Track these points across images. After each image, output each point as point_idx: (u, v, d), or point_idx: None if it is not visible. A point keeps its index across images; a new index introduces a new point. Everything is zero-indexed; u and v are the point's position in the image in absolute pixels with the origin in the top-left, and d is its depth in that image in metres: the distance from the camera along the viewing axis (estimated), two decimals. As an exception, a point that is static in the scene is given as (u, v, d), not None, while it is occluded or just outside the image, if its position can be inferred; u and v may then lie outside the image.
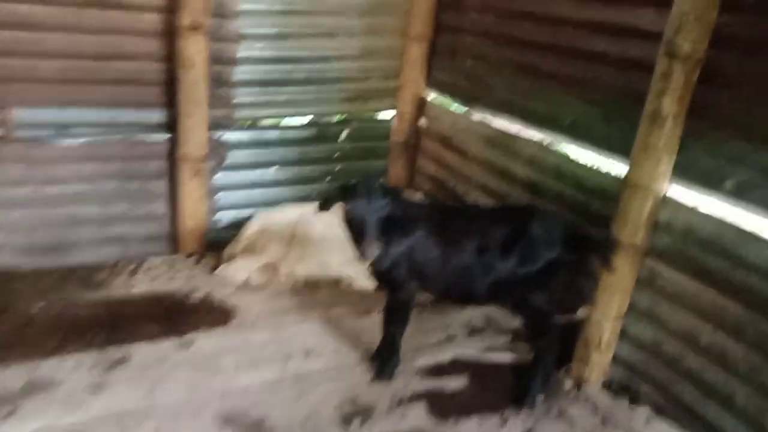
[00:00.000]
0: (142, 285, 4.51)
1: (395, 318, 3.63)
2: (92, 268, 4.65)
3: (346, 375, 3.71)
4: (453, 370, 3.87)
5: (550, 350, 3.51)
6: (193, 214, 4.93)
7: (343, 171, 5.52)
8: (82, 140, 4.51)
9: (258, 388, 3.53)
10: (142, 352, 3.74)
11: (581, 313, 3.74)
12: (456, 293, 3.56)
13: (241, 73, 4.82)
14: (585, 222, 3.90)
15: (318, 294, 4.58)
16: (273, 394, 3.49)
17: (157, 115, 4.68)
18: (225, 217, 5.22)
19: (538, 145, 4.39)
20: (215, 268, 4.78)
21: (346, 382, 3.65)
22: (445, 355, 4.01)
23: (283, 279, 4.64)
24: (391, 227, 3.40)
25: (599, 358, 3.75)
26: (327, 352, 3.93)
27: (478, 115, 4.98)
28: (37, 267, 4.56)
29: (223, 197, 5.17)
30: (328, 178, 5.52)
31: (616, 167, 3.80)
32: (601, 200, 3.83)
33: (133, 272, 4.66)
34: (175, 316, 4.16)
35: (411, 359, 3.89)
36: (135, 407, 3.30)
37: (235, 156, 5.07)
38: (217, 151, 4.94)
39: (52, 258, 4.68)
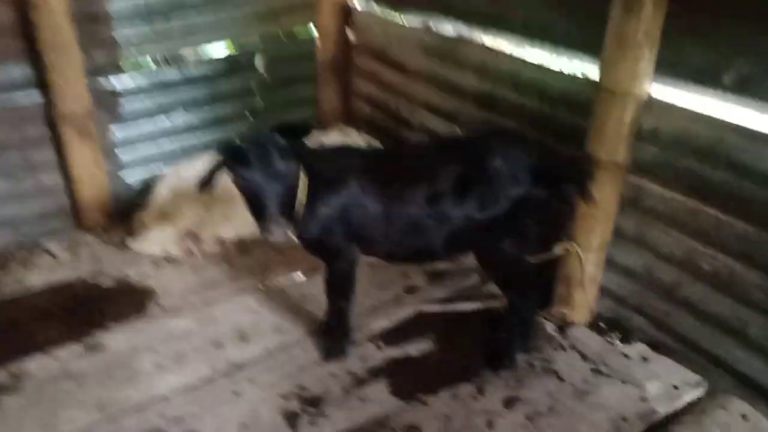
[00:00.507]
0: (38, 276, 3.75)
1: (339, 290, 2.99)
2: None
3: (289, 359, 3.11)
4: (416, 331, 3.30)
5: (526, 300, 2.94)
6: (89, 181, 4.11)
7: (266, 104, 4.71)
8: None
9: (182, 394, 2.91)
10: (37, 368, 3.06)
11: (558, 248, 3.15)
12: (407, 254, 2.90)
13: (116, 2, 3.88)
14: (553, 140, 3.25)
15: (249, 258, 3.89)
16: (202, 400, 2.88)
17: (19, 71, 3.76)
18: (131, 177, 4.41)
19: (486, 50, 3.64)
20: (125, 242, 4.03)
21: (290, 367, 3.06)
22: (406, 312, 3.43)
23: (207, 246, 3.93)
24: (315, 184, 2.70)
25: (583, 296, 3.22)
26: (265, 332, 3.30)
27: (414, 20, 4.17)
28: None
29: (124, 155, 4.34)
30: (248, 115, 4.71)
31: (585, 69, 3.12)
32: (569, 111, 3.16)
33: (26, 262, 3.89)
34: (81, 312, 3.45)
35: (367, 323, 3.31)
36: (30, 445, 2.67)
37: (130, 105, 4.19)
38: (105, 102, 4.07)
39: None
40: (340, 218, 2.73)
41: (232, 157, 2.48)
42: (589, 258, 3.10)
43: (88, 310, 3.46)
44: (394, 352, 3.15)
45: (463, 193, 2.64)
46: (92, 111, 3.96)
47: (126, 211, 4.26)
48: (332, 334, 3.11)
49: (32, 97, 3.84)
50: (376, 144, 4.60)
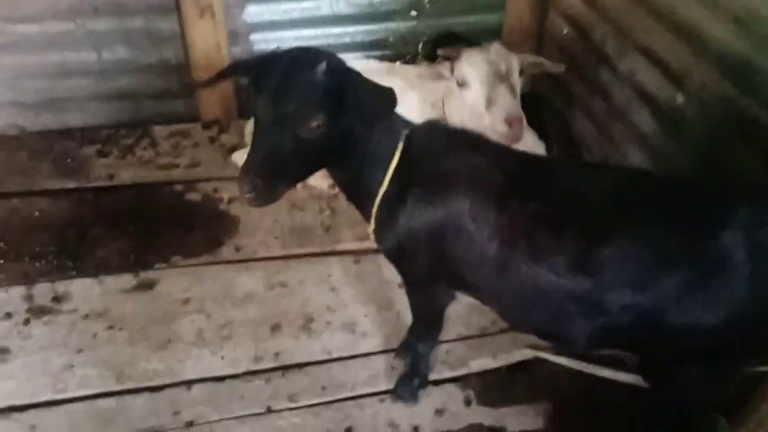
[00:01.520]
0: (129, 170, 3.31)
1: (416, 329, 2.12)
2: (87, 134, 3.54)
3: (347, 378, 2.37)
4: (524, 389, 2.36)
5: None
6: (207, 67, 3.48)
7: (436, 4, 3.65)
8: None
9: (207, 388, 2.32)
10: (78, 293, 2.66)
11: None
12: (526, 327, 1.87)
13: None
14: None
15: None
16: (222, 402, 2.27)
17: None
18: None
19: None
20: (235, 149, 3.43)
21: (341, 392, 2.32)
22: (519, 352, 2.47)
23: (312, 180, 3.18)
24: (406, 174, 1.77)
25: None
26: (334, 327, 2.57)
27: None
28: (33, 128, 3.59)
29: (258, 42, 3.64)
30: (413, 13, 3.69)
31: None
32: None
33: (129, 148, 3.46)
34: (151, 230, 2.96)
35: (463, 353, 2.44)
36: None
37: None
38: (236, -27, 3.32)
39: (44, 118, 3.62)
40: (429, 240, 1.78)
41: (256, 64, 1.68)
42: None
43: (161, 230, 2.97)
44: (486, 417, 2.25)
45: (651, 273, 1.50)
46: (216, -17, 3.24)
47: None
48: (404, 372, 2.29)
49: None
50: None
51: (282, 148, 1.60)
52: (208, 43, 3.42)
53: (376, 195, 1.80)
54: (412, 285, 1.96)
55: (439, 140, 1.83)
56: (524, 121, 2.44)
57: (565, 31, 3.50)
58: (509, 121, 2.40)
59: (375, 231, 1.89)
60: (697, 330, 1.48)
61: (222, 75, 1.87)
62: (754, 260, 1.42)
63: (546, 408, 2.28)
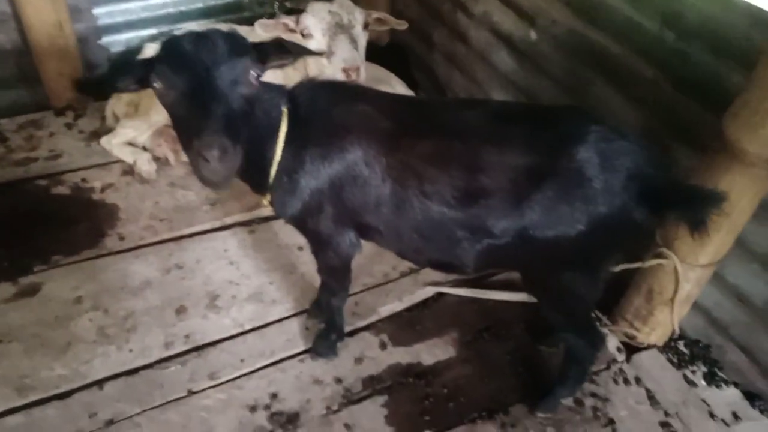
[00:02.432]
0: (-20, 170, 3.02)
1: (328, 286, 2.19)
2: None
3: (265, 345, 2.39)
4: (434, 325, 2.52)
5: (583, 343, 2.05)
6: (49, 46, 3.20)
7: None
8: None
9: (120, 382, 2.26)
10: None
11: (649, 260, 2.23)
12: (422, 260, 2.01)
13: None
14: (666, 119, 2.18)
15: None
16: (139, 395, 2.23)
17: None
18: (115, 44, 3.50)
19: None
20: (97, 133, 3.23)
21: (265, 359, 2.35)
22: (423, 291, 2.63)
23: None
24: (298, 136, 1.80)
25: (668, 317, 2.35)
26: (240, 299, 2.57)
27: None
28: None
29: (103, 15, 3.40)
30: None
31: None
32: (714, 59, 2.06)
33: (-27, 146, 3.14)
34: (23, 232, 2.75)
35: (372, 302, 2.56)
36: None
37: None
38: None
39: None
40: (331, 192, 1.84)
41: (168, 49, 1.57)
42: (689, 276, 2.19)
43: (33, 231, 2.76)
44: (403, 356, 2.39)
45: (522, 194, 1.68)
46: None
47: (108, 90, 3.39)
48: (320, 330, 2.36)
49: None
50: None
51: (234, 107, 1.53)
52: (47, 23, 3.13)
53: (270, 166, 1.81)
54: (319, 243, 2.01)
55: (321, 97, 1.87)
56: (363, 71, 2.49)
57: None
58: (346, 70, 2.44)
59: (273, 201, 1.90)
60: (564, 239, 1.68)
61: (109, 82, 1.71)
62: (604, 171, 1.63)
63: (454, 337, 2.46)
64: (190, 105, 1.53)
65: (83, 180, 3.02)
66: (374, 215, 1.84)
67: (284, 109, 1.83)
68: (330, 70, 2.47)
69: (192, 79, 1.52)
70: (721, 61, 2.05)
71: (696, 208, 1.62)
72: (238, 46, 1.58)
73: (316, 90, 1.90)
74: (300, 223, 1.95)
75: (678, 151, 2.24)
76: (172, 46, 1.57)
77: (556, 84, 2.76)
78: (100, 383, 2.24)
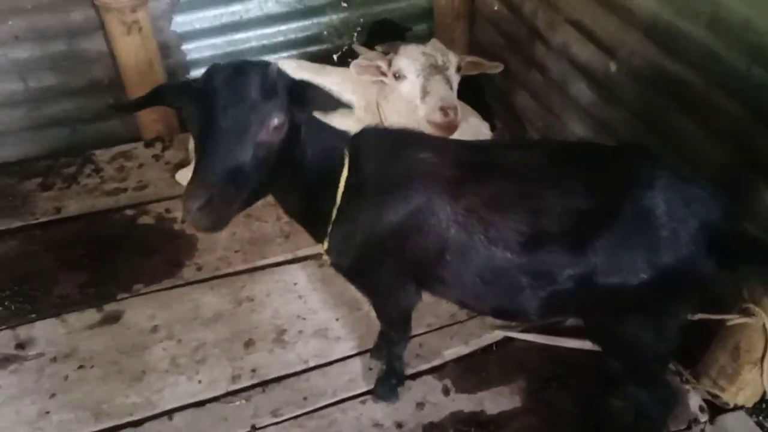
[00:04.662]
0: (75, 200, 3.22)
1: (386, 335, 2.17)
2: (25, 168, 3.41)
3: (327, 383, 2.40)
4: (498, 370, 2.44)
5: (651, 399, 1.91)
6: (140, 82, 3.39)
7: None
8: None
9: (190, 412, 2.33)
10: (43, 336, 2.60)
11: (734, 315, 2.05)
12: (485, 309, 1.94)
13: None
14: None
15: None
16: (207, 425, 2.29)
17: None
18: (201, 77, 3.67)
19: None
20: (182, 165, 3.38)
21: (328, 397, 2.36)
22: (490, 334, 2.55)
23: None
24: (356, 182, 1.78)
25: (757, 378, 2.15)
26: (307, 336, 2.59)
27: None
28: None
29: (191, 50, 3.57)
30: (344, 4, 3.68)
31: None
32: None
33: (72, 177, 3.36)
34: (107, 260, 2.91)
35: (436, 345, 2.51)
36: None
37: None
38: (159, -14, 3.24)
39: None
40: (393, 243, 1.80)
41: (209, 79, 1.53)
42: (783, 334, 2.00)
43: (118, 259, 2.91)
44: (466, 403, 2.33)
45: (585, 239, 1.59)
46: (140, -2, 3.15)
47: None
48: (381, 372, 2.34)
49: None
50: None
51: (239, 155, 1.46)
52: (138, 60, 3.33)
53: (330, 212, 1.80)
54: (377, 295, 1.99)
55: (383, 144, 1.85)
56: (459, 111, 2.45)
57: (495, 8, 3.53)
58: (444, 109, 2.40)
59: (330, 249, 1.90)
60: (626, 286, 1.60)
61: (143, 103, 1.75)
62: (671, 220, 1.55)
63: (520, 386, 2.37)
64: (198, 141, 1.51)
65: (167, 210, 3.17)
66: (438, 264, 1.79)
67: (346, 155, 1.82)
68: (423, 110, 2.46)
69: (206, 115, 1.48)
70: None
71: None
72: (265, 86, 1.50)
73: (379, 136, 1.89)
74: (357, 274, 1.94)
75: (761, 191, 2.05)
76: (204, 75, 1.55)
77: (635, 116, 2.61)
78: (170, 413, 2.33)
